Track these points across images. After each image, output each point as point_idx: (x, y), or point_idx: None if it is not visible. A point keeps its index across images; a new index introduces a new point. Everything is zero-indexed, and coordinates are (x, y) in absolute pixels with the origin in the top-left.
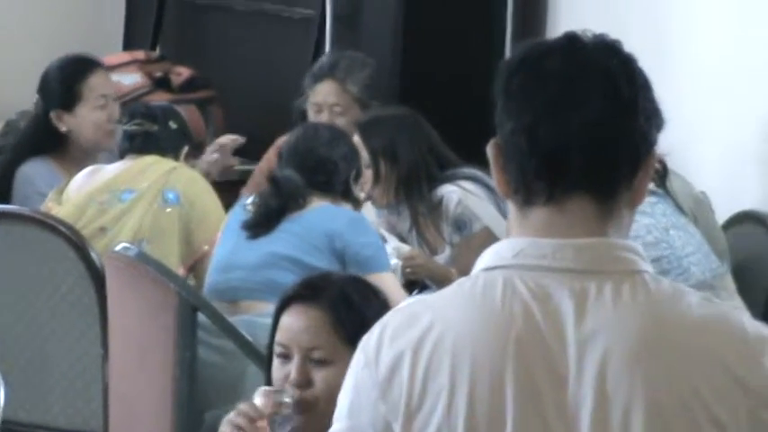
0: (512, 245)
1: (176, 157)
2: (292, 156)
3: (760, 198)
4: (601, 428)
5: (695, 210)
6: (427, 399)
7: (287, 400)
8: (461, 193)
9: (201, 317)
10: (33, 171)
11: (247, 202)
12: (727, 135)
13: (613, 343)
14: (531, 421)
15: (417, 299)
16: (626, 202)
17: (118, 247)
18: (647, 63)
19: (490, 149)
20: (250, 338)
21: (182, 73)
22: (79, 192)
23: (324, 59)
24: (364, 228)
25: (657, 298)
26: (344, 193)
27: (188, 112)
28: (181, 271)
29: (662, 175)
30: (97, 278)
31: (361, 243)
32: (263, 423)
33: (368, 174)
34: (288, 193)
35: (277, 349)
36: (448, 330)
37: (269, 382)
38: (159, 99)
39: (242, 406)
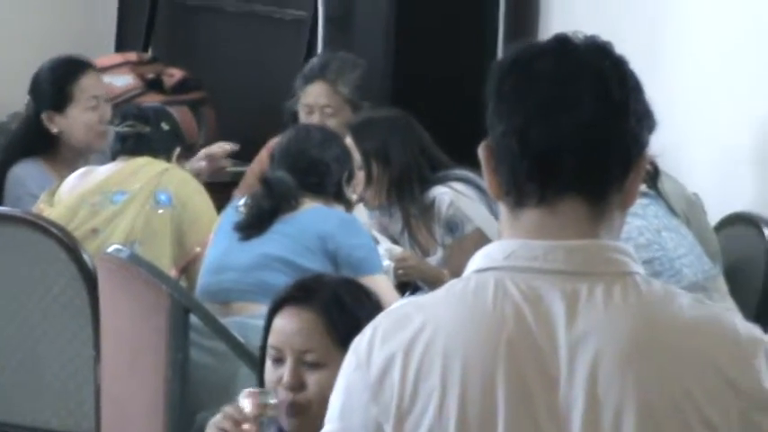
0: (503, 246)
1: (168, 159)
2: (284, 157)
3: (752, 199)
4: (592, 430)
5: (687, 211)
6: (418, 400)
7: (272, 401)
8: (453, 195)
9: (193, 318)
10: (25, 172)
11: (239, 203)
12: (719, 136)
13: (605, 345)
14: (523, 423)
15: (409, 300)
16: (617, 204)
17: (110, 249)
18: (639, 64)
19: (482, 151)
20: (242, 340)
21: (174, 74)
22: (71, 193)
23: (314, 61)
24: (356, 229)
25: (649, 299)
26: (337, 195)
27: (180, 114)
28: (173, 272)
29: (653, 176)
30: (89, 280)
31: (353, 245)
32: (247, 426)
33: (360, 175)
34: (280, 194)
35: (270, 352)
36: (439, 332)
37: (261, 383)
38: (151, 100)
39: (227, 409)
